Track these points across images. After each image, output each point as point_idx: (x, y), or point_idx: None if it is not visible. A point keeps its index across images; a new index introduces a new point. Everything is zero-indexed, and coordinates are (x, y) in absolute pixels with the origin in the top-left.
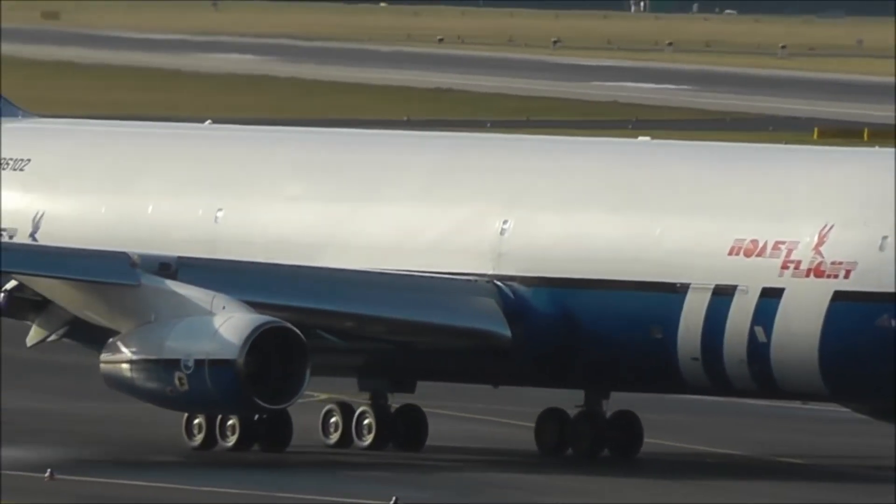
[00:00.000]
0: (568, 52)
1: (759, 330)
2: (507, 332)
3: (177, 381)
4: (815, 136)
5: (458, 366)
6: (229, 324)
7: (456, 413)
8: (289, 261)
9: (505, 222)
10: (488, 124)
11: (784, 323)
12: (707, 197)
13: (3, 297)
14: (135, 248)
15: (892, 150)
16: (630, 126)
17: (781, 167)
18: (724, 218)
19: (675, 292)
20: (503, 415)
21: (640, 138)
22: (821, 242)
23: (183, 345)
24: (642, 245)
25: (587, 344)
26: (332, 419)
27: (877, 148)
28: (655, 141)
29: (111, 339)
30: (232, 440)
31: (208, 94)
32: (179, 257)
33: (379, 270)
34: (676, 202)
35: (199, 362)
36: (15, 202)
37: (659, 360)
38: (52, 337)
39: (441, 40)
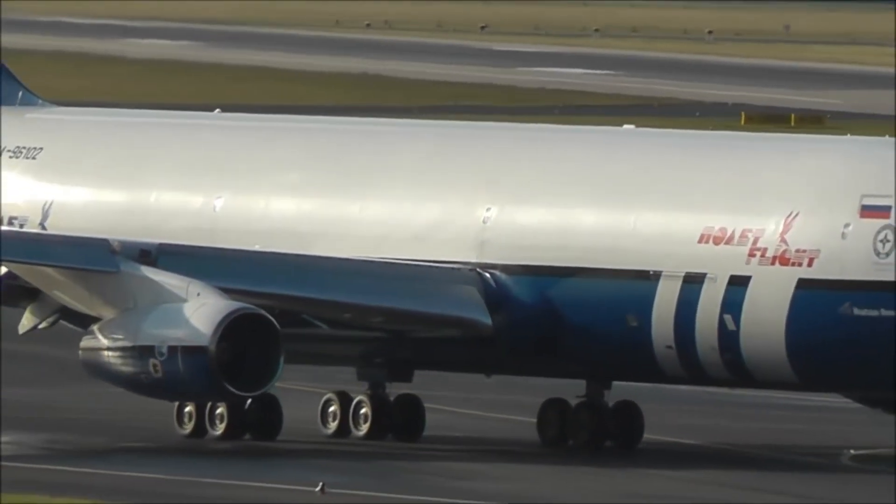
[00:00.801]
0: (496, 38)
1: (728, 318)
2: (489, 321)
3: (151, 368)
4: (742, 121)
5: (439, 354)
6: (202, 311)
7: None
8: (283, 249)
9: (487, 210)
10: (414, 110)
11: (752, 311)
12: (679, 185)
13: None
14: (139, 236)
15: (861, 138)
16: (556, 111)
17: (752, 155)
18: (695, 206)
19: (649, 280)
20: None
21: (625, 126)
22: (786, 230)
23: (157, 332)
24: (619, 233)
25: (567, 332)
26: (331, 408)
27: (848, 136)
28: (640, 129)
29: (90, 327)
30: (220, 428)
31: (139, 80)
32: (160, 244)
33: (361, 258)
34: (651, 191)
35: (171, 349)
36: (26, 191)
37: (635, 348)
38: (43, 324)
39: (368, 25)
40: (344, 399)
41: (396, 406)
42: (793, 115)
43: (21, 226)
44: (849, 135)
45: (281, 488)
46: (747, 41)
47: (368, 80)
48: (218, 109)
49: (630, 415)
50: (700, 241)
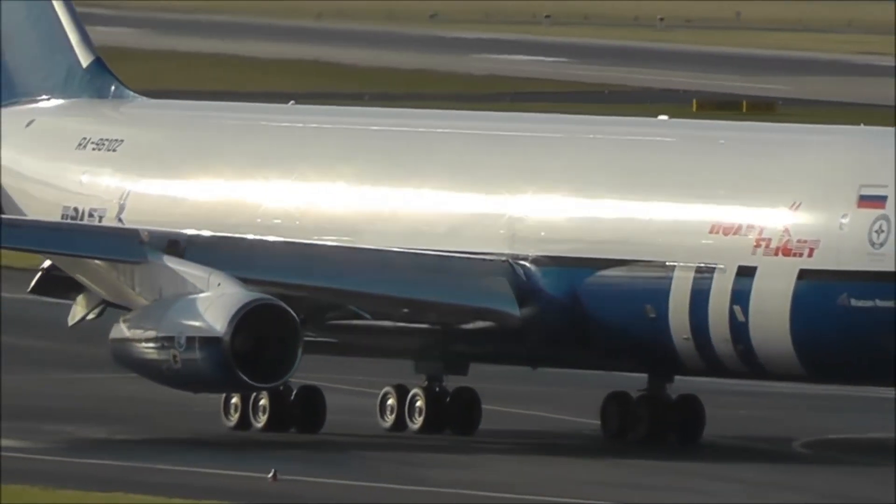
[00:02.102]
0: (445, 26)
1: (737, 309)
2: (517, 312)
3: (171, 359)
4: (694, 108)
5: (470, 345)
6: (219, 302)
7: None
8: (333, 241)
9: (520, 202)
10: (366, 97)
11: (758, 302)
12: (692, 176)
13: (39, 275)
14: (206, 228)
15: (863, 128)
16: (508, 99)
17: (763, 144)
18: (707, 196)
19: (665, 272)
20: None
21: (660, 117)
22: (789, 220)
23: (177, 323)
24: (642, 225)
25: (593, 323)
26: (389, 402)
27: (857, 126)
28: (673, 120)
29: (120, 318)
30: (263, 421)
31: None
32: (190, 235)
33: (390, 249)
34: (671, 182)
35: (189, 340)
36: (106, 184)
37: (656, 339)
38: (91, 315)
39: (320, 15)
40: (401, 392)
41: (453, 400)
42: (745, 102)
43: (100, 218)
44: (862, 124)
45: (233, 475)
46: (699, 28)
47: (321, 68)
48: (292, 102)
49: (692, 409)
50: (711, 232)
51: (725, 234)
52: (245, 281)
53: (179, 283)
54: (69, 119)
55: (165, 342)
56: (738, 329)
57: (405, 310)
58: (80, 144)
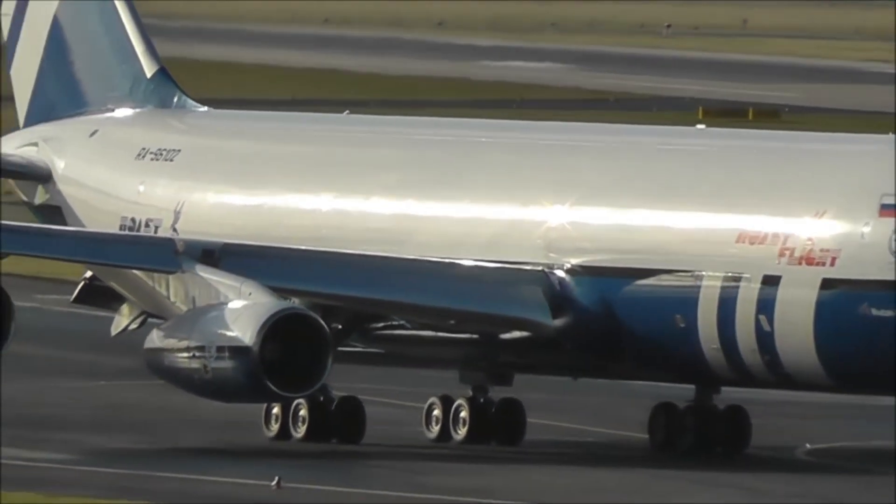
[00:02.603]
0: (452, 33)
1: (763, 319)
2: (551, 322)
3: (203, 369)
4: (700, 115)
5: (506, 355)
6: (248, 311)
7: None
8: (377, 251)
9: (556, 211)
10: (371, 104)
11: (783, 312)
12: (721, 185)
13: (81, 285)
14: (257, 238)
15: (889, 136)
16: (514, 106)
17: (790, 153)
18: (735, 205)
19: (694, 282)
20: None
21: (698, 126)
22: (812, 229)
23: (208, 332)
24: (674, 235)
25: (625, 334)
26: (434, 412)
27: (884, 134)
28: (710, 130)
29: (154, 328)
30: (302, 431)
31: None
32: (225, 244)
33: (425, 259)
34: (701, 191)
35: (220, 349)
36: (163, 194)
37: (688, 350)
38: (133, 325)
39: (326, 21)
40: (447, 403)
41: (497, 410)
42: (751, 109)
43: (156, 229)
44: (892, 133)
45: (237, 483)
46: (705, 35)
47: (326, 74)
48: (347, 111)
49: (738, 420)
50: (738, 241)
51: (751, 243)
52: (280, 290)
53: (212, 293)
54: (130, 129)
55: (197, 352)
56: (765, 339)
57: (439, 319)
58: (139, 154)
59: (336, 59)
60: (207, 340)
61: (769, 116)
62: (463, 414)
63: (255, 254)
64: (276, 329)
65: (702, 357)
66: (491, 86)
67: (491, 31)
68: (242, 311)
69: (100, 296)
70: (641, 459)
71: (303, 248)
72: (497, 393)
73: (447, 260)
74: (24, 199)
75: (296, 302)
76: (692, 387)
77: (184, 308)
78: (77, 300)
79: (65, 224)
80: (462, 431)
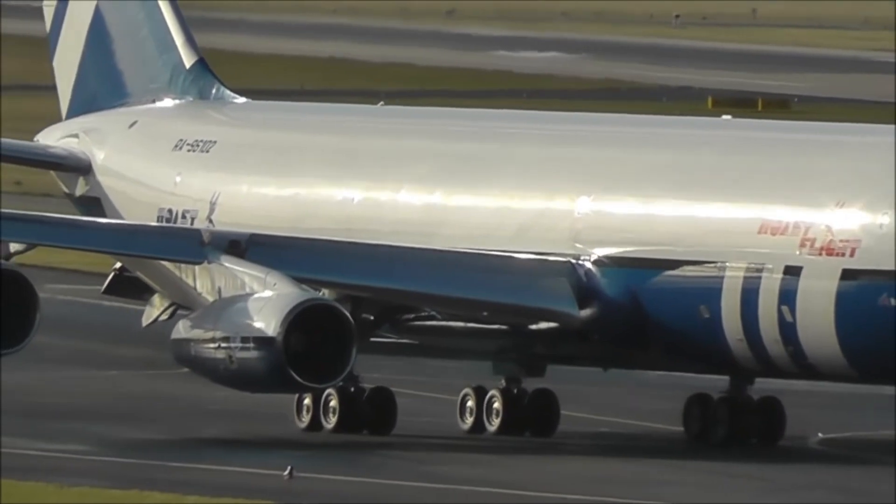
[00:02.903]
0: (461, 23)
1: (785, 310)
2: (577, 313)
3: (228, 359)
4: (710, 105)
5: (534, 346)
6: (273, 302)
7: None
8: (407, 243)
9: (581, 202)
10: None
11: (804, 303)
12: (744, 175)
13: (111, 276)
14: (289, 229)
15: None
16: (524, 96)
17: (812, 143)
18: (756, 195)
19: (718, 272)
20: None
21: (724, 117)
22: (832, 220)
23: (232, 323)
24: (698, 225)
25: (651, 325)
26: (468, 404)
27: None
28: (735, 120)
29: (180, 318)
30: (333, 422)
31: None
32: (252, 235)
33: (452, 250)
34: (725, 182)
35: (244, 340)
36: (199, 185)
37: (712, 340)
38: (163, 316)
39: (335, 11)
40: (481, 394)
41: (531, 401)
42: (760, 99)
43: (192, 220)
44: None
45: (249, 472)
46: (714, 25)
47: (335, 65)
48: (381, 102)
49: (773, 411)
50: (760, 232)
51: (773, 233)
52: (306, 281)
53: (237, 284)
54: (169, 120)
55: (222, 342)
56: (787, 330)
57: (465, 310)
58: (176, 146)
59: (345, 48)
60: (232, 331)
61: (778, 106)
62: (496, 405)
63: (282, 245)
64: (300, 320)
65: (727, 348)
66: (500, 75)
67: (500, 21)
68: (267, 301)
69: (130, 286)
70: (660, 451)
71: (329, 238)
72: (530, 384)
73: (474, 251)
74: (66, 190)
75: (325, 293)
76: (727, 378)
77: (210, 299)
78: (107, 291)
79: (104, 215)
80: (495, 422)
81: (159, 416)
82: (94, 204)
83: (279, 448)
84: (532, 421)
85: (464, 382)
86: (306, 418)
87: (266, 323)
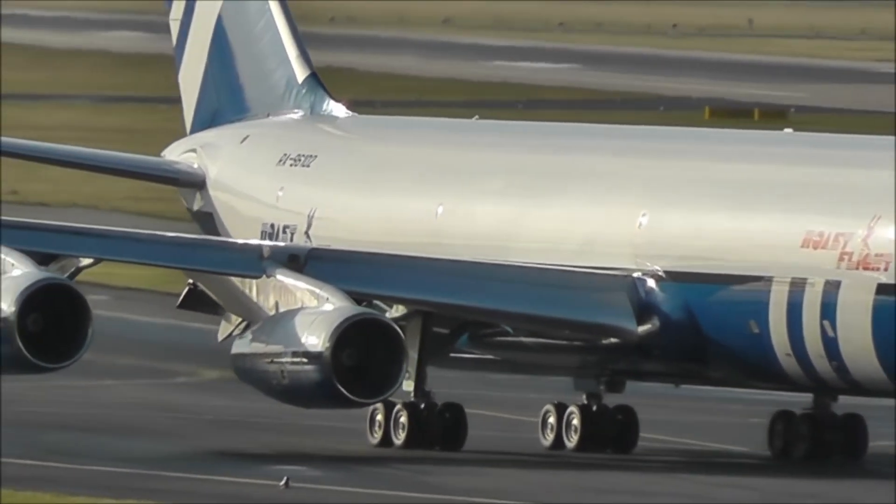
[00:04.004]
0: (458, 32)
1: (826, 324)
2: (635, 328)
3: (280, 374)
4: (707, 115)
5: (595, 361)
6: (322, 316)
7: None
8: (480, 257)
9: (643, 215)
10: (377, 104)
11: (844, 317)
12: (791, 189)
13: (186, 290)
14: (381, 245)
15: None
16: (521, 106)
17: (853, 156)
18: (800, 209)
19: (766, 287)
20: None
21: (785, 130)
22: (869, 234)
23: (284, 338)
24: (751, 239)
25: (706, 340)
26: (549, 420)
27: None
28: (797, 133)
29: (240, 334)
30: (402, 438)
31: (101, 72)
32: (312, 249)
33: (512, 264)
34: (775, 196)
35: (295, 354)
36: (298, 199)
37: (763, 356)
38: (236, 331)
39: (332, 19)
40: (561, 411)
41: (609, 417)
42: (757, 110)
43: (291, 235)
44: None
45: (245, 482)
46: (711, 36)
47: (332, 74)
48: (476, 116)
49: (855, 427)
50: (802, 246)
51: (815, 247)
52: (366, 296)
53: (291, 298)
54: (276, 135)
55: (275, 357)
56: (830, 345)
57: (525, 325)
58: (280, 160)
59: (341, 57)
60: (284, 346)
61: (775, 116)
62: (574, 421)
63: (342, 259)
64: (349, 334)
65: (778, 364)
66: (497, 86)
67: (497, 31)
68: (317, 316)
69: (204, 301)
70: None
71: (389, 252)
72: (610, 400)
73: (533, 265)
74: (186, 205)
75: (393, 311)
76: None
77: (270, 313)
78: (182, 305)
79: (215, 230)
80: (574, 439)
81: (156, 426)
82: (207, 219)
83: (278, 459)
84: (611, 437)
85: (549, 398)
86: (379, 434)
87: (315, 337)
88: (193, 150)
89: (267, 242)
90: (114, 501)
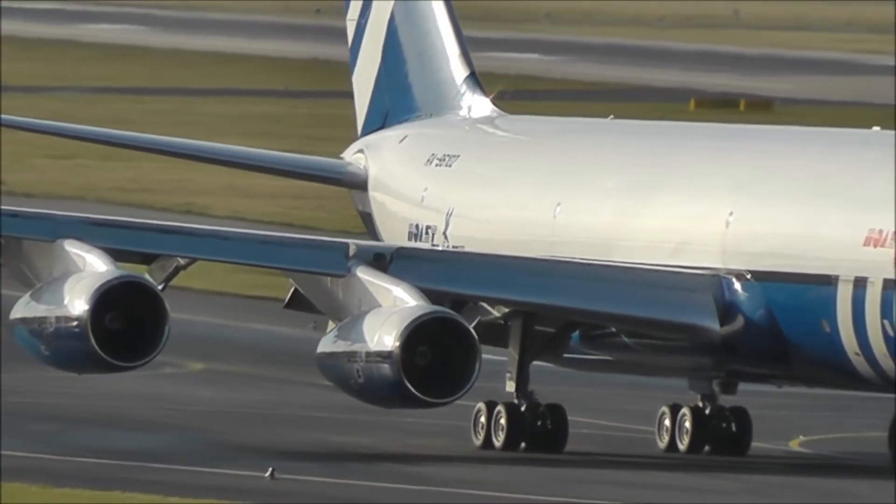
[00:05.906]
0: None
1: (886, 323)
2: (717, 327)
3: (356, 374)
4: (692, 106)
5: (669, 360)
6: (394, 315)
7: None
8: (585, 256)
9: (731, 214)
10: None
11: None
12: (855, 188)
13: (293, 290)
14: (507, 247)
15: None
16: (507, 97)
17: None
18: (862, 207)
19: (834, 287)
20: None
21: (874, 128)
22: None
23: (360, 337)
24: (821, 238)
25: (784, 339)
26: (665, 422)
27: None
28: (885, 132)
29: (324, 334)
30: (501, 439)
31: (91, 64)
32: (398, 248)
33: (595, 262)
34: (848, 195)
35: (368, 354)
36: (439, 199)
37: (835, 355)
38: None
39: (318, 11)
40: (675, 411)
41: (719, 419)
42: (743, 101)
43: (432, 235)
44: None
45: (230, 474)
46: (697, 27)
47: (318, 66)
48: (612, 116)
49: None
50: (865, 245)
51: (875, 246)
52: (451, 295)
53: (372, 297)
54: (429, 135)
55: (351, 357)
56: (891, 344)
57: (608, 323)
58: (428, 161)
59: (328, 49)
60: (359, 345)
61: (761, 108)
62: (686, 423)
63: (428, 258)
64: (420, 333)
65: (850, 363)
66: (483, 76)
67: (484, 22)
68: (389, 315)
69: (310, 302)
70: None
71: (475, 252)
72: (726, 401)
73: (617, 263)
74: (354, 205)
75: (495, 311)
76: None
77: (352, 312)
78: (288, 305)
79: (375, 232)
80: (685, 441)
81: (142, 417)
82: (368, 220)
83: (263, 451)
84: (721, 439)
85: (677, 398)
86: (481, 435)
87: (386, 336)
88: (360, 151)
89: (354, 241)
90: (98, 493)
